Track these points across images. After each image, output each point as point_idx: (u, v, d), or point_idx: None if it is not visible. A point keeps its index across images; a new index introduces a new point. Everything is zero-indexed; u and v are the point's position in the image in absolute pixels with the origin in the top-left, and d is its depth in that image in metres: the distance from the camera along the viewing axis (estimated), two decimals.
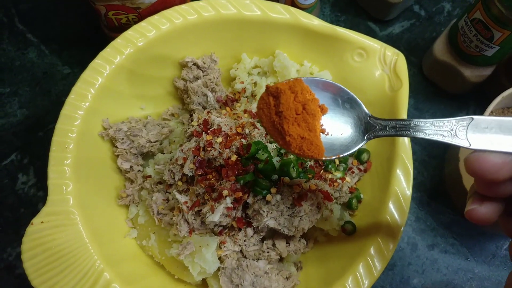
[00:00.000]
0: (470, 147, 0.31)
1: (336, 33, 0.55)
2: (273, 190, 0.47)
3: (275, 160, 0.49)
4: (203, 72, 0.58)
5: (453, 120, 0.32)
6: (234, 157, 0.48)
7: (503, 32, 0.53)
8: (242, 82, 0.60)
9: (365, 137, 0.37)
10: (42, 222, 0.46)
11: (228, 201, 0.46)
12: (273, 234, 0.51)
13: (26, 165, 0.65)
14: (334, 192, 0.52)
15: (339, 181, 0.52)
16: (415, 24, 0.76)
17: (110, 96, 0.53)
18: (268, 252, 0.49)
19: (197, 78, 0.58)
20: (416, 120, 0.34)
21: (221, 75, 0.60)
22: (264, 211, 0.46)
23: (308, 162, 0.52)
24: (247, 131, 0.51)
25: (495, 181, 0.27)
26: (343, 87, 0.39)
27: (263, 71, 0.61)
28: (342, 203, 0.53)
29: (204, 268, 0.46)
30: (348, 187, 0.53)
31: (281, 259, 0.52)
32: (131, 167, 0.55)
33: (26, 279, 0.57)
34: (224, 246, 0.48)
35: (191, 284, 0.51)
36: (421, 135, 0.33)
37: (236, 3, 0.55)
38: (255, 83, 0.60)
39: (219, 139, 0.50)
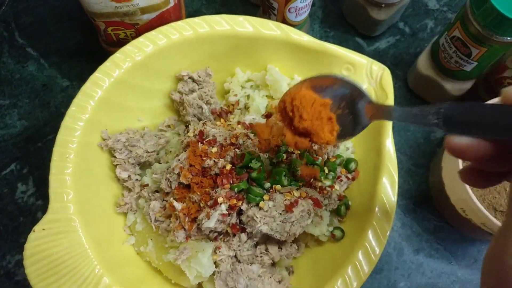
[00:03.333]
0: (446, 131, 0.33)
1: (325, 49, 0.58)
2: (266, 197, 0.50)
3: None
4: (198, 85, 0.61)
5: (433, 107, 0.33)
6: (228, 166, 0.51)
7: (480, 49, 0.57)
8: (236, 95, 0.62)
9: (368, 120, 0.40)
10: (43, 229, 0.47)
11: (223, 208, 0.49)
12: (266, 240, 0.53)
13: (25, 175, 0.66)
14: (324, 199, 0.54)
15: (328, 189, 0.55)
16: (400, 40, 0.79)
17: (109, 108, 0.55)
18: (261, 256, 0.52)
19: (192, 91, 0.60)
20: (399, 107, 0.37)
21: (216, 88, 0.63)
22: (257, 217, 0.48)
23: (299, 171, 0.55)
24: (240, 141, 0.54)
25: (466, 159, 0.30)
26: (346, 79, 0.42)
27: (256, 84, 0.63)
28: (331, 210, 0.56)
29: (200, 272, 0.48)
30: (337, 194, 0.56)
31: (273, 264, 0.54)
32: (129, 176, 0.57)
33: (25, 286, 0.60)
34: (219, 251, 0.50)
35: None
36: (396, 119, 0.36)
37: (230, 20, 0.58)
38: (248, 96, 0.63)
39: (214, 149, 0.52)
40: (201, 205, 0.50)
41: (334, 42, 0.59)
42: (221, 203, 0.49)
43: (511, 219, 0.25)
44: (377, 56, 0.78)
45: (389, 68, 0.57)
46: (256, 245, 0.53)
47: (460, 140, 0.29)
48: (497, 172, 0.32)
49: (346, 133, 0.42)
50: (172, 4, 0.63)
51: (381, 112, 0.38)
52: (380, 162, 0.53)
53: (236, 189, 0.50)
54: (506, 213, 0.27)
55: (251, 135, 0.55)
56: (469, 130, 0.29)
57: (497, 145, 0.29)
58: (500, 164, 0.30)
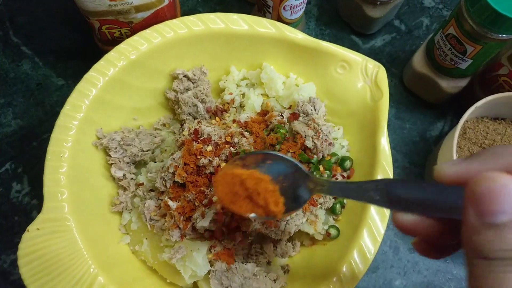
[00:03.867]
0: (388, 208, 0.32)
1: (320, 47, 0.58)
2: None
3: None
4: (193, 83, 0.61)
5: (372, 183, 0.32)
6: (223, 165, 0.51)
7: (475, 46, 0.57)
8: (231, 93, 0.62)
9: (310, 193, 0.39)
10: (38, 229, 0.47)
11: (218, 207, 0.49)
12: (261, 239, 0.53)
13: (20, 174, 0.66)
14: (319, 198, 0.54)
15: None
16: (396, 37, 0.79)
17: (103, 107, 0.55)
18: (256, 255, 0.52)
19: (187, 89, 0.60)
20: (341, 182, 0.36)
21: (211, 86, 0.63)
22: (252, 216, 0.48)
23: None
24: (236, 140, 0.54)
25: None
26: (279, 154, 0.41)
27: (251, 82, 0.63)
28: (327, 208, 0.56)
29: (195, 271, 0.48)
30: None
31: (269, 262, 0.54)
32: (124, 175, 0.57)
33: (20, 285, 0.60)
34: (214, 250, 0.50)
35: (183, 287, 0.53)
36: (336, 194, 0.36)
37: (225, 18, 0.58)
38: (243, 94, 0.63)
39: (209, 148, 0.52)
40: (196, 204, 0.50)
41: (329, 40, 0.59)
42: (216, 202, 0.49)
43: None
44: (373, 54, 0.78)
45: (384, 66, 0.57)
46: (251, 244, 0.53)
47: (407, 218, 0.29)
48: (450, 244, 0.32)
49: (290, 206, 0.41)
50: (166, 2, 0.62)
51: (320, 186, 0.37)
52: (375, 160, 0.53)
53: None
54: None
55: (246, 134, 0.55)
56: (411, 208, 0.29)
57: (442, 221, 0.29)
58: (450, 238, 0.30)
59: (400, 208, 0.29)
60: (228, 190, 0.40)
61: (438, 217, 0.29)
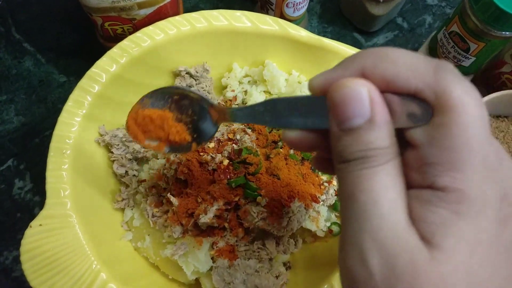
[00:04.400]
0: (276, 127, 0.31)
1: (322, 44, 0.58)
2: (263, 192, 0.50)
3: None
4: (195, 80, 0.61)
5: (261, 104, 0.31)
6: (226, 162, 0.51)
7: (478, 44, 0.57)
8: (233, 91, 0.62)
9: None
10: (40, 225, 0.47)
11: (220, 203, 0.49)
12: (263, 235, 0.53)
13: (22, 171, 0.66)
14: (321, 195, 0.54)
15: (326, 184, 0.55)
16: (398, 35, 0.79)
17: (106, 104, 0.55)
18: (258, 252, 0.52)
19: (190, 86, 0.60)
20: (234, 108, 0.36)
21: (213, 83, 0.63)
22: (254, 212, 0.48)
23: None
24: (238, 137, 0.54)
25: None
26: (181, 87, 0.40)
27: (254, 80, 0.63)
28: (329, 205, 0.56)
29: (198, 267, 0.48)
30: (335, 190, 0.55)
31: (271, 259, 0.54)
32: (126, 171, 0.57)
33: (22, 282, 0.60)
34: (216, 246, 0.50)
35: (185, 284, 0.53)
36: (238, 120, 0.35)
37: (228, 15, 0.58)
38: (245, 91, 0.63)
39: (212, 145, 0.52)
40: (198, 200, 0.50)
41: (332, 38, 0.59)
42: (218, 198, 0.49)
43: (344, 215, 0.25)
44: None
45: None
46: (253, 240, 0.53)
47: (291, 134, 0.29)
48: None
49: (202, 137, 0.41)
50: None
51: (223, 115, 0.37)
52: None
53: (233, 184, 0.49)
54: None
55: (249, 131, 0.55)
56: (292, 123, 0.29)
57: (323, 135, 0.29)
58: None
59: (284, 125, 0.29)
60: (139, 128, 0.41)
61: (319, 130, 0.29)
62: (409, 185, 0.24)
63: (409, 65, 0.23)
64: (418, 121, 0.23)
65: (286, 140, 0.30)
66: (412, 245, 0.22)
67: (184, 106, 0.39)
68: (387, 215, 0.22)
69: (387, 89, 0.24)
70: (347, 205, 0.24)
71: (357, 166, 0.23)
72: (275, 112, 0.30)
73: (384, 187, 0.23)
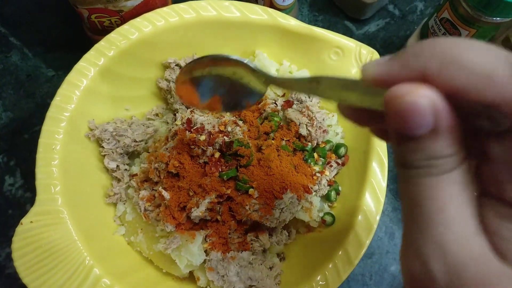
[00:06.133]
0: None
1: (313, 33, 0.57)
2: (254, 184, 0.50)
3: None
4: None
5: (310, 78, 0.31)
6: (217, 154, 0.50)
7: (469, 30, 0.57)
8: None
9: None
10: (31, 222, 0.47)
11: (212, 196, 0.48)
12: (256, 227, 0.53)
13: (12, 167, 0.66)
14: (314, 185, 0.54)
15: (318, 174, 0.55)
16: (390, 22, 0.79)
17: (95, 98, 0.55)
18: (251, 243, 0.52)
19: None
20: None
21: None
22: (247, 205, 0.48)
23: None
24: (229, 129, 0.53)
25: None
26: (224, 55, 0.39)
27: None
28: (322, 195, 0.56)
29: (191, 261, 0.48)
30: (327, 180, 0.55)
31: (264, 250, 0.54)
32: (117, 166, 0.56)
33: (16, 278, 0.59)
34: (209, 239, 0.50)
35: (179, 278, 0.53)
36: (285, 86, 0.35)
37: (216, 5, 0.57)
38: None
39: (203, 137, 0.52)
40: (190, 193, 0.50)
41: (323, 26, 0.59)
42: (210, 191, 0.48)
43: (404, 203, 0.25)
44: (367, 39, 0.77)
45: (378, 51, 0.57)
46: (246, 232, 0.53)
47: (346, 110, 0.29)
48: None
49: (253, 99, 0.41)
50: None
51: (271, 78, 0.37)
52: (370, 147, 0.52)
53: (225, 177, 0.49)
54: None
55: (240, 122, 0.55)
56: (345, 98, 0.28)
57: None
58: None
59: (338, 98, 0.28)
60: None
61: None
62: (484, 191, 0.23)
63: (484, 72, 0.20)
64: (489, 126, 0.22)
65: (341, 110, 0.29)
66: (481, 254, 0.21)
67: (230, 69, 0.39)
68: (451, 223, 0.22)
69: (454, 96, 0.21)
70: (410, 209, 0.23)
71: (420, 174, 0.23)
72: (326, 85, 0.29)
73: (448, 195, 0.22)
